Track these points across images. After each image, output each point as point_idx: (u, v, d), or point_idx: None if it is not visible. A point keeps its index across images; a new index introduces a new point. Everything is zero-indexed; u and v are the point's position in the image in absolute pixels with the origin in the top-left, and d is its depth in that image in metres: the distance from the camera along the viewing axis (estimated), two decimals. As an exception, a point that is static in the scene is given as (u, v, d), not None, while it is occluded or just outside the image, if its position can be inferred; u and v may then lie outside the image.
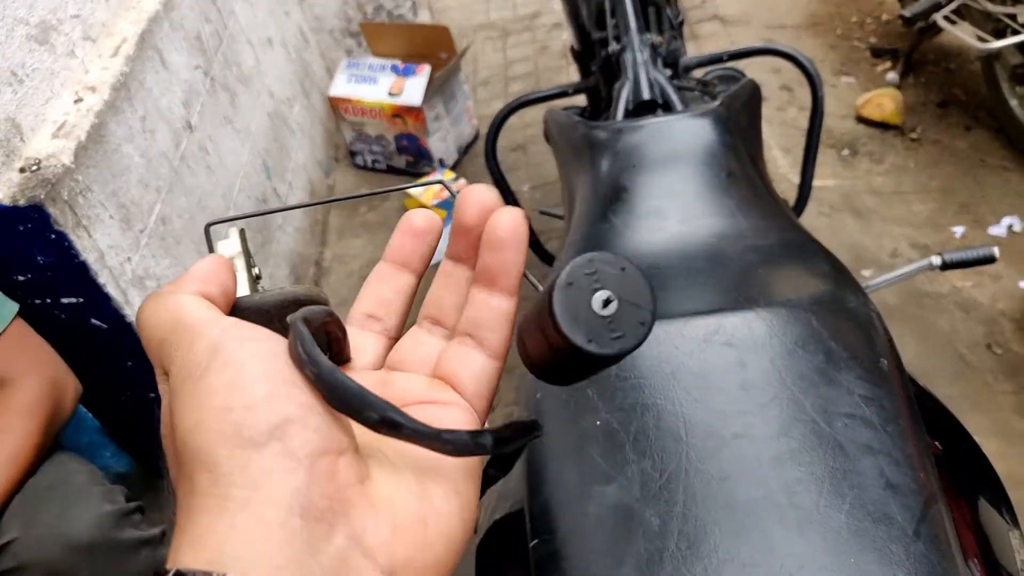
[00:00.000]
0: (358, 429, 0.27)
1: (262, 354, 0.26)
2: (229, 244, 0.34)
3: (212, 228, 0.34)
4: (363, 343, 0.34)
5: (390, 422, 0.25)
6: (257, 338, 0.27)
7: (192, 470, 0.25)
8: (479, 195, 0.31)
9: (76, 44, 1.35)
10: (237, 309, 0.31)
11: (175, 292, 0.29)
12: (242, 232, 0.35)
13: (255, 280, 0.35)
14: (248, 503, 0.24)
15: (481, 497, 0.31)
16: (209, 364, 0.26)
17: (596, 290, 0.25)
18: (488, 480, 0.31)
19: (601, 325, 0.25)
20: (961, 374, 1.65)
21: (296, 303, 0.31)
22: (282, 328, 0.29)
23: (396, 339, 0.35)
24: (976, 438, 1.54)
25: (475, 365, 0.31)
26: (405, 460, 0.28)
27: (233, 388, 0.25)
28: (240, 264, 0.34)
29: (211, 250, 0.33)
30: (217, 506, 0.24)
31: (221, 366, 0.25)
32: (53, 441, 1.11)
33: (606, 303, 0.25)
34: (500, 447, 0.28)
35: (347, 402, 0.25)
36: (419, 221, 0.34)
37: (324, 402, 0.26)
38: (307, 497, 0.24)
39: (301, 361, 0.26)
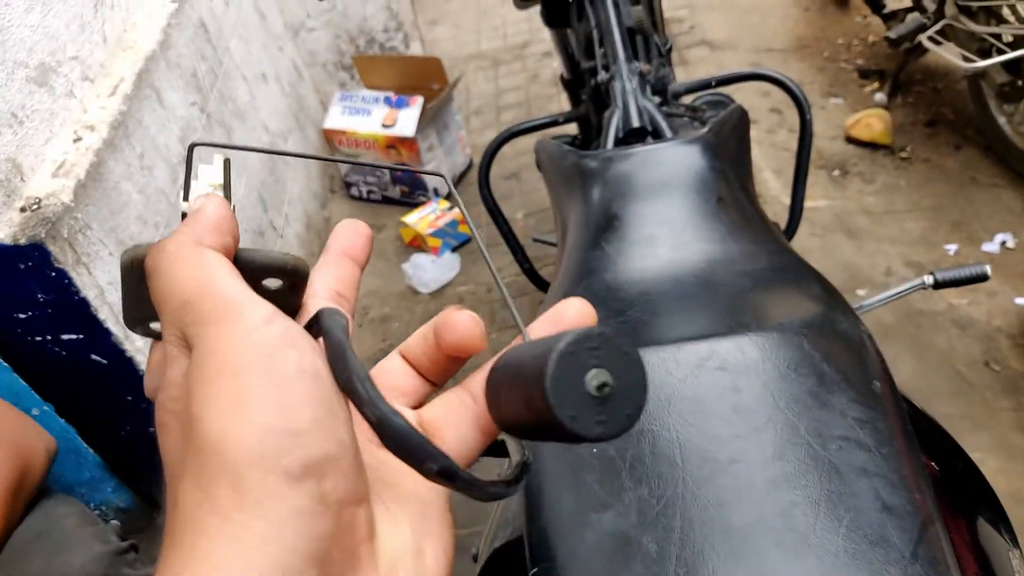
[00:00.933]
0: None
1: (309, 371, 0.24)
2: (212, 171, 0.31)
3: (197, 149, 0.32)
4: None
5: (448, 473, 0.25)
6: (301, 347, 0.25)
7: (211, 479, 0.23)
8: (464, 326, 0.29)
9: (75, 85, 1.36)
10: None
11: (199, 246, 0.27)
12: (227, 162, 0.32)
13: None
14: (269, 541, 0.22)
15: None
16: (252, 366, 0.23)
17: (595, 367, 0.24)
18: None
19: (589, 405, 0.24)
20: (960, 392, 1.65)
21: (282, 272, 0.30)
22: (257, 289, 0.27)
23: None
24: (977, 456, 1.55)
25: (463, 427, 0.30)
26: (403, 509, 0.27)
27: (280, 407, 0.23)
28: (221, 194, 0.32)
29: (190, 173, 0.31)
30: (235, 537, 0.22)
31: (266, 374, 0.23)
32: (37, 491, 1.06)
33: (601, 386, 0.24)
34: (516, 487, 0.28)
35: (409, 451, 0.24)
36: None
37: (354, 441, 0.25)
38: (326, 547, 0.23)
39: (359, 398, 0.25)
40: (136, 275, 0.29)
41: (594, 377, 0.24)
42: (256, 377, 0.23)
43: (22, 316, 1.21)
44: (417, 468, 0.24)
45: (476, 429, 0.30)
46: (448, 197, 2.51)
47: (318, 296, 0.32)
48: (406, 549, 0.26)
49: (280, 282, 0.30)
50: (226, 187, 0.32)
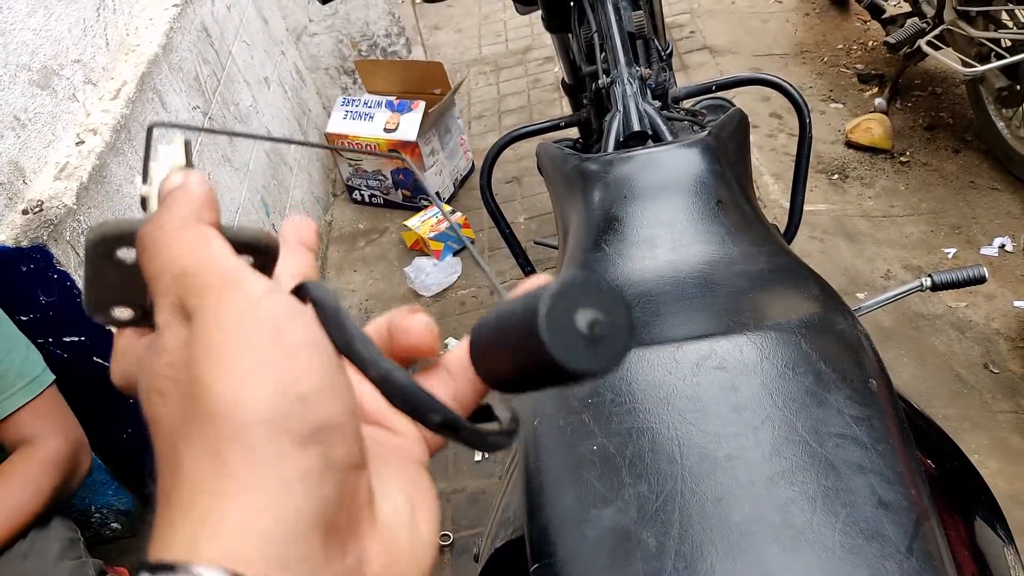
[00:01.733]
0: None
1: (312, 338, 0.25)
2: (172, 151, 0.31)
3: (156, 130, 0.31)
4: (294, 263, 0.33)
5: (451, 424, 0.26)
6: (304, 317, 0.25)
7: (221, 443, 0.23)
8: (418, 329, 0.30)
9: (77, 88, 1.37)
10: None
11: (198, 222, 0.27)
12: (187, 143, 0.31)
13: None
14: (278, 501, 0.23)
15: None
16: (261, 335, 0.24)
17: (582, 308, 0.25)
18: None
19: (581, 343, 0.24)
20: (959, 394, 1.65)
21: (255, 249, 0.30)
22: None
23: None
24: (976, 457, 1.55)
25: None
26: (393, 474, 0.28)
27: (290, 374, 0.24)
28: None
29: (149, 155, 0.31)
30: (244, 495, 0.22)
31: (275, 339, 0.24)
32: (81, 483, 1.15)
33: (591, 324, 0.25)
34: (515, 435, 0.30)
35: (413, 404, 0.25)
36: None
37: (355, 407, 0.25)
38: (333, 512, 0.24)
39: (361, 360, 0.26)
40: (104, 254, 0.29)
41: (584, 316, 0.25)
42: (266, 345, 0.24)
43: (24, 318, 1.22)
44: (422, 420, 0.26)
45: (455, 404, 0.30)
46: (428, 199, 2.52)
47: (282, 281, 0.32)
48: (402, 518, 0.27)
49: (251, 259, 0.30)
50: (188, 167, 0.31)
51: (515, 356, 0.26)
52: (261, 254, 0.30)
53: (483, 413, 0.32)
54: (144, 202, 0.30)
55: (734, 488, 0.46)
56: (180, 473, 0.24)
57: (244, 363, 0.24)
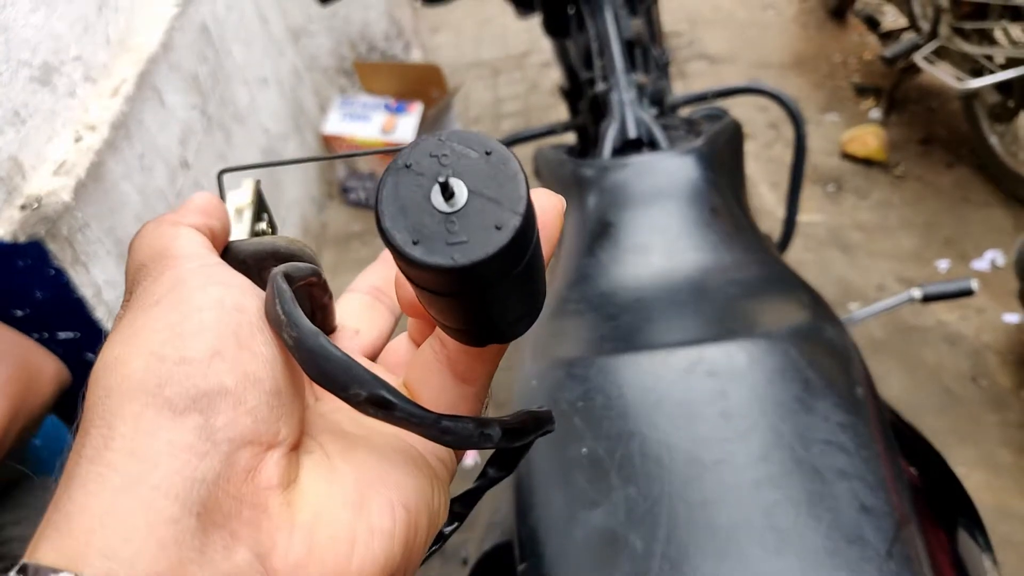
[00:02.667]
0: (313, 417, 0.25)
1: (226, 304, 0.22)
2: (240, 194, 0.30)
3: (224, 176, 0.30)
4: (363, 314, 0.30)
5: (380, 401, 0.21)
6: (229, 284, 0.23)
7: (89, 421, 0.20)
8: None
9: (77, 85, 1.38)
10: None
11: (175, 221, 0.25)
12: (256, 183, 0.31)
13: (258, 234, 0.31)
14: (137, 483, 0.19)
15: (470, 509, 0.27)
16: (165, 297, 0.22)
17: (442, 177, 0.19)
18: (488, 482, 0.27)
19: (436, 223, 0.19)
20: (948, 407, 1.67)
21: (276, 256, 0.27)
22: (260, 283, 0.25)
23: (399, 317, 0.30)
24: (963, 470, 1.56)
25: (434, 377, 0.26)
26: (349, 460, 0.24)
27: (174, 333, 0.21)
28: (247, 216, 0.30)
29: (221, 197, 0.30)
30: (99, 478, 0.19)
31: (173, 303, 0.22)
32: (42, 413, 1.08)
33: (449, 195, 0.19)
34: (509, 440, 0.24)
35: (330, 374, 0.21)
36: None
37: (276, 380, 0.22)
38: (212, 493, 0.20)
39: (278, 321, 0.22)
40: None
41: (438, 188, 0.19)
42: (164, 307, 0.21)
43: (19, 313, 1.22)
44: (342, 396, 0.21)
45: (451, 375, 0.26)
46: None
47: (355, 290, 0.31)
48: (340, 501, 0.22)
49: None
50: (257, 207, 0.30)
51: (409, 278, 0.21)
52: (284, 260, 0.27)
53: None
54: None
55: (721, 492, 0.46)
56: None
57: (135, 325, 0.21)
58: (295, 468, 0.22)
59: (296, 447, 0.23)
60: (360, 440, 0.25)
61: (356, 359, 0.22)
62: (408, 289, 0.25)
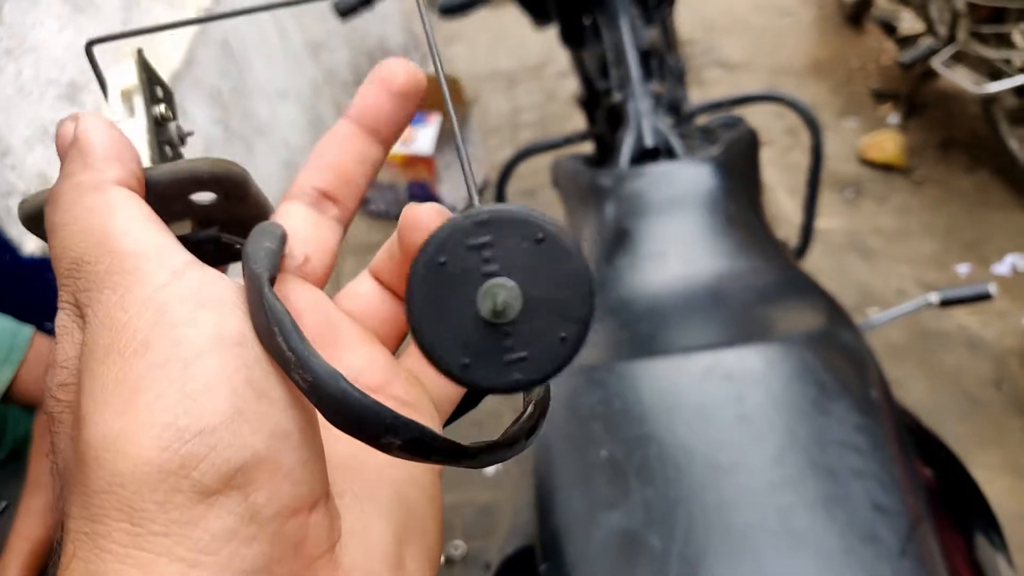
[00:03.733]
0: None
1: (226, 337, 0.18)
2: (123, 72, 0.24)
3: (95, 48, 0.25)
4: (310, 232, 0.25)
5: (417, 448, 0.18)
6: (217, 302, 0.19)
7: (100, 503, 0.17)
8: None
9: (102, 102, 1.41)
10: None
11: (98, 184, 0.20)
12: (139, 53, 0.25)
13: (159, 122, 0.25)
14: None
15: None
16: (149, 340, 0.17)
17: (487, 276, 0.16)
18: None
19: (487, 336, 0.16)
20: (970, 412, 1.66)
21: (199, 183, 0.23)
22: (174, 212, 0.22)
23: (347, 225, 0.26)
24: (986, 474, 1.54)
25: None
26: (376, 502, 0.21)
27: (183, 394, 0.17)
28: (139, 101, 0.24)
29: (99, 78, 0.25)
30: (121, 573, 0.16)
31: (166, 348, 0.17)
32: None
33: (501, 306, 0.16)
34: (529, 438, 0.21)
35: (357, 422, 0.17)
36: (400, 76, 0.25)
37: (300, 427, 0.19)
38: None
39: (284, 360, 0.18)
40: (41, 231, 0.23)
41: (489, 293, 0.16)
42: (156, 356, 0.17)
43: (50, 325, 1.25)
44: (372, 444, 0.18)
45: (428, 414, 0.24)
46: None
47: (295, 198, 0.25)
48: (380, 558, 0.20)
49: (212, 194, 0.24)
50: (148, 84, 0.25)
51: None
52: (212, 185, 0.23)
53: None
54: None
55: (737, 494, 0.47)
56: (66, 532, 0.18)
57: (126, 386, 0.17)
58: (335, 522, 0.20)
59: (331, 497, 0.20)
60: (378, 473, 0.22)
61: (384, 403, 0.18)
62: (415, 240, 0.22)
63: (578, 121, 2.62)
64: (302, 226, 0.25)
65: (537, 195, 2.57)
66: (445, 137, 2.38)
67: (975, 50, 2.04)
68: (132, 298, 0.18)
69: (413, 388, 0.24)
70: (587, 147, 1.56)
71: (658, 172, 0.86)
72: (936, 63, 2.18)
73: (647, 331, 0.66)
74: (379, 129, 0.25)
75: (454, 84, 2.42)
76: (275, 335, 0.18)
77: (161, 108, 0.25)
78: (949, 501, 0.57)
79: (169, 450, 0.17)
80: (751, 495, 0.47)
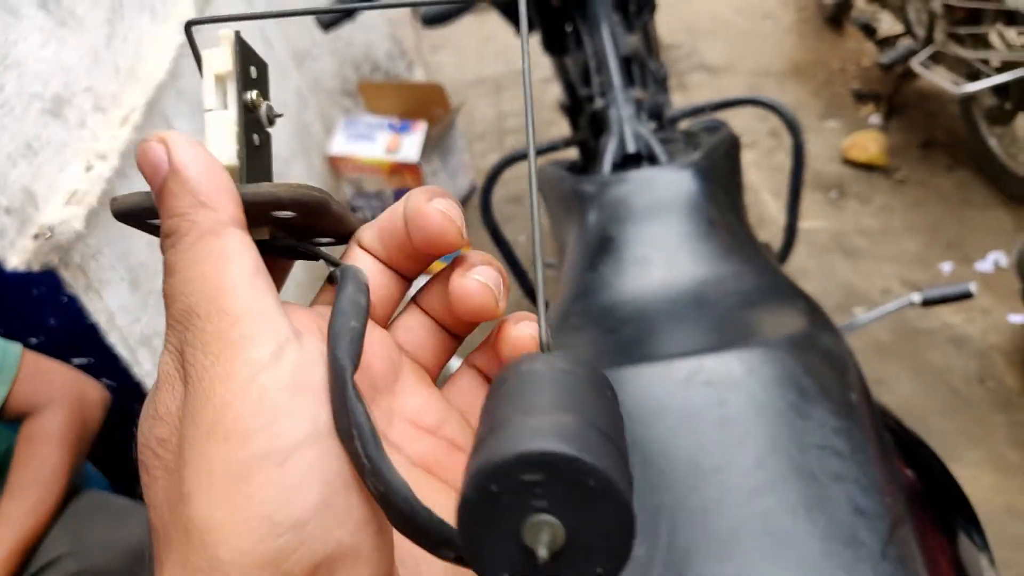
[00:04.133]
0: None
1: (320, 431, 0.19)
2: (218, 55, 0.24)
3: (194, 29, 0.26)
4: (377, 279, 0.26)
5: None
6: (313, 393, 0.20)
7: (194, 573, 0.18)
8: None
9: (87, 115, 1.41)
10: None
11: (215, 226, 0.21)
12: (236, 36, 0.24)
13: (249, 109, 0.26)
14: None
15: None
16: (251, 431, 0.19)
17: (535, 511, 0.17)
18: None
19: (532, 565, 0.17)
20: (955, 408, 1.67)
21: (279, 206, 0.23)
22: (253, 219, 0.23)
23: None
24: (972, 471, 1.56)
25: None
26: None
27: (281, 492, 0.18)
28: (231, 88, 0.25)
29: (196, 58, 0.25)
30: None
31: (267, 443, 0.18)
32: (81, 464, 1.15)
33: (545, 541, 0.17)
34: None
35: (421, 532, 0.19)
36: (436, 219, 0.24)
37: (376, 515, 0.20)
38: None
39: (360, 465, 0.19)
40: (135, 225, 0.25)
41: (535, 531, 0.17)
42: (256, 448, 0.18)
43: (34, 341, 1.24)
44: (431, 551, 0.19)
45: None
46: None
47: (363, 249, 0.27)
48: None
49: (292, 212, 0.24)
50: (243, 69, 0.25)
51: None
52: (290, 208, 0.24)
53: None
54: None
55: (720, 498, 0.48)
56: None
57: (228, 475, 0.18)
58: None
59: (395, 572, 0.21)
60: (424, 561, 0.23)
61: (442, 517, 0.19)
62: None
63: (564, 126, 2.63)
64: (370, 268, 0.26)
65: (523, 201, 2.57)
66: (430, 144, 2.39)
67: (953, 51, 2.06)
68: (235, 378, 0.19)
69: (463, 431, 0.26)
70: (572, 153, 1.57)
71: (640, 178, 0.87)
72: (915, 64, 2.20)
73: (630, 338, 0.66)
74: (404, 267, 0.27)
75: (439, 91, 2.43)
76: (354, 439, 0.19)
77: (253, 94, 0.26)
78: (931, 501, 0.57)
79: (265, 542, 0.18)
80: (733, 499, 0.48)
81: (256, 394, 0.19)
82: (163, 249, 0.22)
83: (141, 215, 0.24)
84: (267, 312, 0.20)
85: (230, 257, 0.21)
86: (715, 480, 0.49)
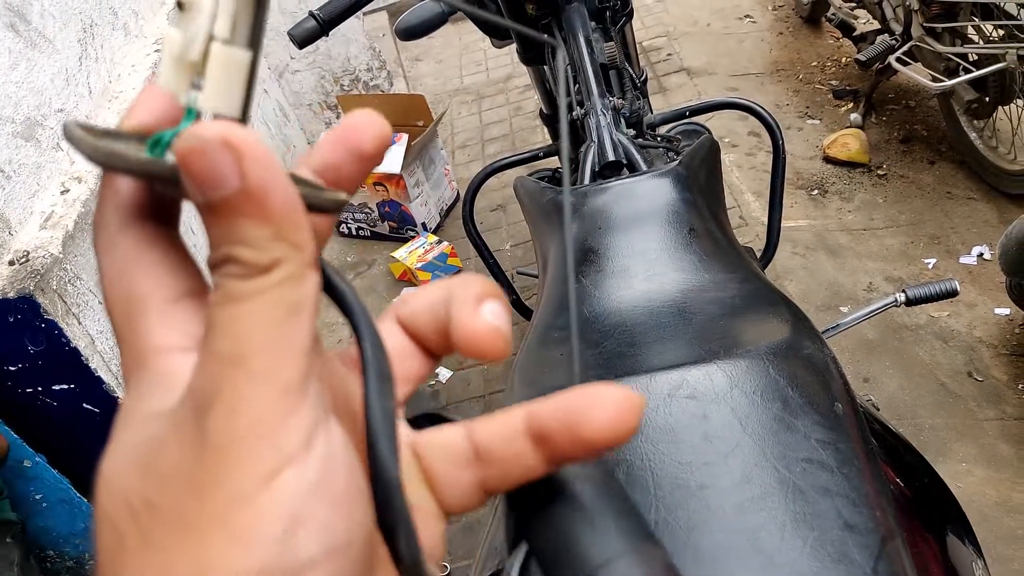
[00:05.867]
0: None
1: (339, 548, 0.18)
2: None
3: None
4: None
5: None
6: (339, 506, 0.18)
7: None
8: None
9: (61, 138, 1.39)
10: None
11: (301, 270, 0.18)
12: None
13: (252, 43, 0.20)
14: None
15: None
16: (263, 542, 0.17)
17: None
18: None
19: None
20: (944, 403, 1.67)
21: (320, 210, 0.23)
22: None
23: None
24: (963, 466, 1.55)
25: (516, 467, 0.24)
26: None
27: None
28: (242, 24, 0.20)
29: None
30: None
31: (279, 555, 0.17)
32: None
33: None
34: None
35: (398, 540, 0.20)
36: (368, 143, 0.23)
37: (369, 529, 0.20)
38: None
39: (399, 559, 0.20)
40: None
41: None
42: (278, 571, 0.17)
43: (12, 369, 1.22)
44: (393, 555, 0.20)
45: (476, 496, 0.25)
46: (415, 230, 2.53)
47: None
48: None
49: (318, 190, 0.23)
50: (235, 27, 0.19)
51: None
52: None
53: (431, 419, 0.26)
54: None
55: (706, 516, 0.47)
56: None
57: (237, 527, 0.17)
58: None
59: None
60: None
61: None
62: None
63: (545, 134, 2.62)
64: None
65: (507, 209, 2.57)
66: (413, 155, 2.38)
67: (930, 46, 2.07)
68: (255, 470, 0.17)
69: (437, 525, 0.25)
70: (554, 161, 1.56)
71: (618, 188, 0.86)
72: (893, 60, 2.21)
73: (612, 351, 0.65)
74: (339, 185, 0.24)
75: (420, 102, 2.42)
76: (399, 538, 0.20)
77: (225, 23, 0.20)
78: (921, 508, 0.57)
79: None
80: (719, 517, 0.47)
81: (274, 504, 0.17)
82: (213, 283, 0.18)
83: (138, 175, 0.19)
84: (307, 394, 0.18)
85: (304, 316, 0.18)
86: (700, 497, 0.48)
